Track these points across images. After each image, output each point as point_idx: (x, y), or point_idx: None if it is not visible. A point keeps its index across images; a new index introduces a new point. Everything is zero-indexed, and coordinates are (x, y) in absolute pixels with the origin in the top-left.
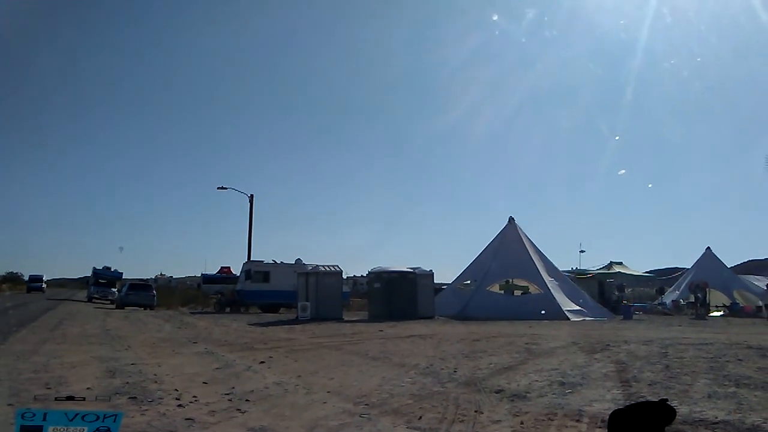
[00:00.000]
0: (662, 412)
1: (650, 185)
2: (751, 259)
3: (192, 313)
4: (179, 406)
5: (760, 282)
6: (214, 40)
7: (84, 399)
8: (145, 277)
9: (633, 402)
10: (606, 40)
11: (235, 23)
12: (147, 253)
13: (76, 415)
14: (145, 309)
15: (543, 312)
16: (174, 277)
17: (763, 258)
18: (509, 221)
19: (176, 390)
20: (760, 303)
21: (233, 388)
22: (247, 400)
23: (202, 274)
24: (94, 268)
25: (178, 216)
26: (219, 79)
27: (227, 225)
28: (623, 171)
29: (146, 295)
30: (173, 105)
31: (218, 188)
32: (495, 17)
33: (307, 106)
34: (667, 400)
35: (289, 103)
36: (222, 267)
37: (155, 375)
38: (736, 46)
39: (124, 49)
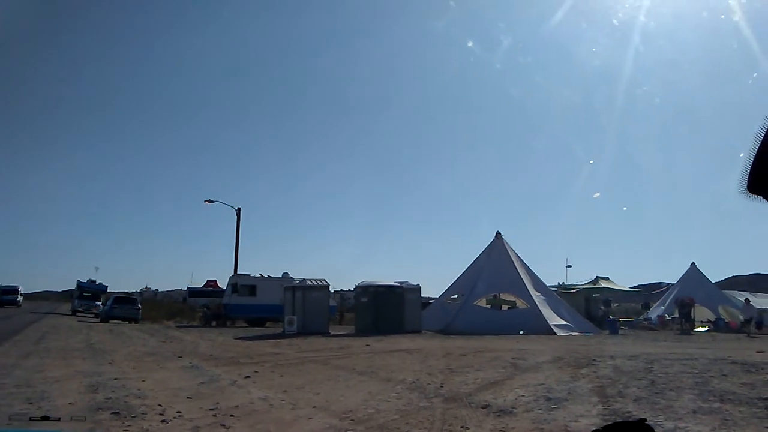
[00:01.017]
0: (641, 431)
1: (625, 208)
2: (735, 275)
3: (177, 326)
4: (163, 421)
5: (743, 298)
6: (203, 53)
7: (59, 419)
8: (130, 291)
9: (612, 422)
10: (580, 66)
11: (225, 38)
12: (132, 266)
13: None
14: (129, 322)
15: (521, 332)
16: (159, 290)
17: (747, 274)
18: (496, 236)
19: (160, 405)
20: (741, 317)
21: (218, 403)
22: (231, 416)
23: (188, 288)
24: (79, 281)
25: (165, 229)
26: (208, 93)
27: (214, 238)
28: (598, 194)
29: (131, 308)
30: (162, 118)
31: (205, 201)
32: (470, 44)
33: (296, 122)
34: (645, 420)
35: (278, 119)
36: (208, 280)
37: (139, 390)
38: (707, 71)
39: (113, 64)
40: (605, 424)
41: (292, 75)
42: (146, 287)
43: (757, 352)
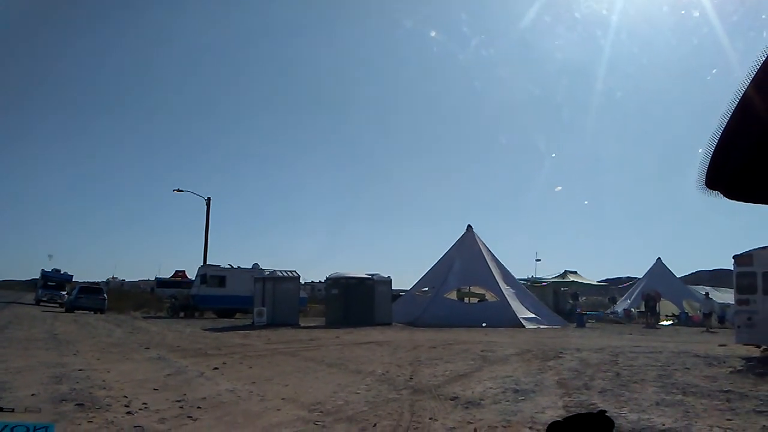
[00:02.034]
0: (601, 423)
1: (586, 202)
2: (699, 270)
3: (145, 317)
4: (128, 413)
5: (704, 292)
6: (171, 42)
7: (13, 410)
8: (96, 280)
9: (573, 414)
10: (542, 60)
11: (192, 28)
12: (99, 256)
13: (5, 427)
14: (95, 313)
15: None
16: (126, 280)
17: (711, 269)
18: (467, 229)
19: (125, 397)
20: (699, 311)
21: (185, 394)
22: (198, 408)
23: (155, 278)
24: (43, 270)
25: (133, 218)
26: (177, 84)
27: (183, 228)
28: (559, 188)
29: (97, 298)
30: (129, 106)
31: (174, 191)
32: (433, 34)
33: (267, 114)
34: (605, 411)
35: (249, 109)
36: (177, 271)
37: (104, 381)
38: (668, 67)
39: (78, 53)
40: (567, 415)
41: (263, 67)
42: (113, 277)
43: (719, 345)
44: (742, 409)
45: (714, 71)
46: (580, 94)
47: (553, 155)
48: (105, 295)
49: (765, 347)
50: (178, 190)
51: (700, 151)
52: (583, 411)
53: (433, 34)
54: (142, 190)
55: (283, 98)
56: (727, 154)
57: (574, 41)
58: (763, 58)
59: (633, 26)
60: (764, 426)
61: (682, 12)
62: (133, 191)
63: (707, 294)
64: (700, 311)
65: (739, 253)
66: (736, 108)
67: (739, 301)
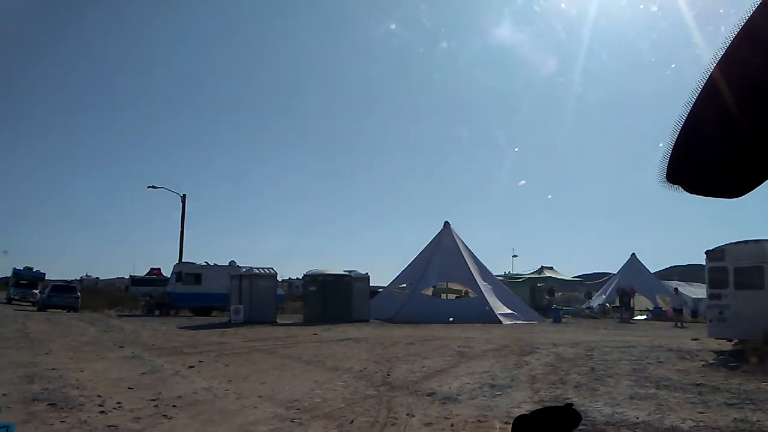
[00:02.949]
0: (568, 416)
1: (549, 196)
2: (673, 265)
3: (119, 315)
4: (102, 412)
5: (681, 287)
6: (145, 38)
7: None
8: (69, 278)
9: (539, 408)
10: (500, 53)
11: (167, 22)
12: (72, 253)
13: None
14: (68, 311)
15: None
16: (100, 278)
17: (684, 264)
18: (445, 225)
19: (99, 396)
20: (669, 306)
21: (160, 393)
22: (174, 406)
23: (130, 276)
24: (15, 268)
25: (106, 215)
26: (151, 78)
27: (158, 225)
28: (523, 182)
29: (70, 296)
30: (103, 102)
31: (149, 187)
32: (393, 26)
33: (243, 109)
34: (572, 404)
35: (225, 105)
36: (152, 268)
37: (77, 380)
38: (627, 61)
39: (55, 49)
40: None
41: (240, 63)
42: (86, 275)
43: (692, 339)
44: (713, 402)
45: (673, 66)
46: (538, 87)
47: (516, 149)
48: (78, 293)
49: (736, 341)
50: (153, 187)
51: (660, 145)
52: (560, 405)
53: (392, 26)
54: (116, 187)
55: (259, 94)
56: (687, 148)
57: (532, 34)
58: (730, 40)
59: (592, 20)
60: (735, 418)
61: (641, 6)
62: (106, 187)
63: (677, 289)
64: (669, 306)
65: (711, 248)
66: (697, 99)
67: (711, 296)
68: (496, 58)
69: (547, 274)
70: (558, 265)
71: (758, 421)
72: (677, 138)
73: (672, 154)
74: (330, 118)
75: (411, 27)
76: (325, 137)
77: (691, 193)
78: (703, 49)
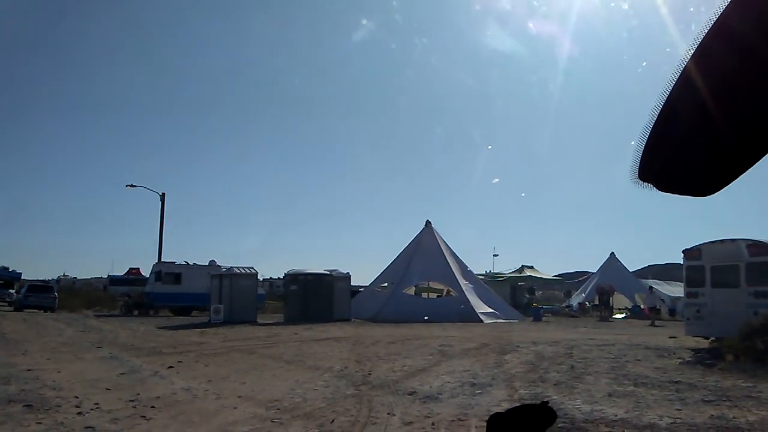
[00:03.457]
0: (543, 414)
1: (523, 194)
2: (651, 264)
3: (97, 316)
4: (79, 413)
5: (659, 286)
6: (124, 37)
7: None
8: (46, 278)
9: (514, 405)
10: (474, 50)
11: (151, 19)
12: (49, 253)
13: None
14: (45, 312)
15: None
16: (78, 278)
17: (663, 263)
18: (426, 225)
19: (76, 397)
20: (643, 305)
21: (138, 394)
22: (152, 407)
23: (108, 276)
24: None
25: (84, 214)
26: (130, 77)
27: (137, 225)
28: (497, 179)
29: (47, 297)
30: (81, 100)
31: (128, 186)
32: (365, 21)
33: (223, 106)
34: (548, 402)
35: (204, 102)
36: (131, 268)
37: (54, 381)
38: (600, 59)
39: (34, 47)
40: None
41: (218, 60)
42: (64, 275)
43: (670, 337)
44: (690, 399)
45: (644, 64)
46: (512, 85)
47: (489, 147)
48: (56, 293)
49: (713, 339)
50: (132, 186)
51: (633, 143)
52: (539, 403)
53: (364, 22)
54: (95, 185)
55: (240, 94)
56: (658, 146)
57: (504, 31)
58: (703, 34)
59: (564, 18)
60: (712, 415)
61: (612, 4)
62: (84, 186)
63: (651, 288)
64: (644, 305)
65: (688, 247)
66: (671, 94)
67: (688, 294)
68: (474, 57)
69: (528, 273)
70: (538, 264)
71: (734, 417)
72: (649, 136)
73: (643, 151)
74: (311, 118)
75: (390, 28)
76: (306, 137)
77: (662, 191)
78: (673, 47)
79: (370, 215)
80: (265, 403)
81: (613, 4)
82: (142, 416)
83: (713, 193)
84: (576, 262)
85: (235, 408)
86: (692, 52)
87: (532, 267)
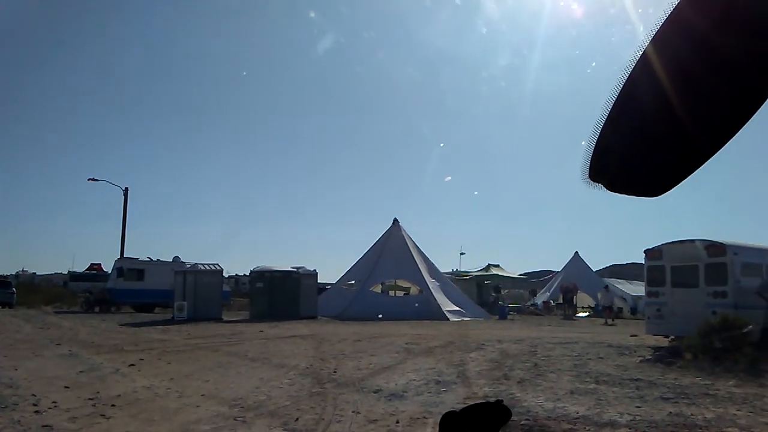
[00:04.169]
0: (497, 412)
1: (476, 192)
2: (614, 263)
3: (57, 312)
4: (36, 412)
5: (621, 285)
6: (87, 30)
7: None
8: (4, 274)
9: (470, 404)
10: (422, 46)
11: (117, 13)
12: (7, 248)
13: None
14: (3, 308)
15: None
16: (38, 273)
17: (625, 263)
18: (394, 222)
19: (34, 395)
20: (598, 304)
21: (98, 392)
22: (112, 405)
23: (69, 271)
24: None
25: (44, 208)
26: (94, 70)
27: (99, 220)
28: (449, 178)
29: (4, 292)
30: (42, 91)
31: (89, 180)
32: (312, 14)
33: (187, 100)
34: (502, 400)
35: (168, 95)
36: (92, 264)
37: (10, 379)
38: (549, 58)
39: None
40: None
41: (179, 55)
42: (23, 270)
43: (631, 336)
44: (650, 397)
45: (594, 64)
46: (463, 82)
47: (441, 144)
48: (14, 288)
49: (672, 337)
50: (93, 179)
51: (583, 143)
52: (502, 400)
53: (312, 14)
54: (55, 179)
55: (203, 89)
56: (607, 146)
57: (454, 27)
58: (659, 24)
59: (512, 15)
60: (671, 412)
61: (561, 3)
62: (45, 179)
63: (607, 287)
64: (599, 304)
65: (650, 247)
66: (625, 84)
67: (649, 294)
68: (406, 43)
69: (494, 271)
70: (505, 263)
71: (692, 415)
72: (599, 136)
73: (593, 152)
74: (275, 114)
75: (351, 28)
76: (271, 133)
77: (611, 191)
78: (621, 47)
79: (338, 213)
80: (229, 402)
81: (562, 3)
82: (101, 415)
83: (661, 194)
84: (541, 261)
85: (197, 406)
86: (650, 39)
87: (498, 266)
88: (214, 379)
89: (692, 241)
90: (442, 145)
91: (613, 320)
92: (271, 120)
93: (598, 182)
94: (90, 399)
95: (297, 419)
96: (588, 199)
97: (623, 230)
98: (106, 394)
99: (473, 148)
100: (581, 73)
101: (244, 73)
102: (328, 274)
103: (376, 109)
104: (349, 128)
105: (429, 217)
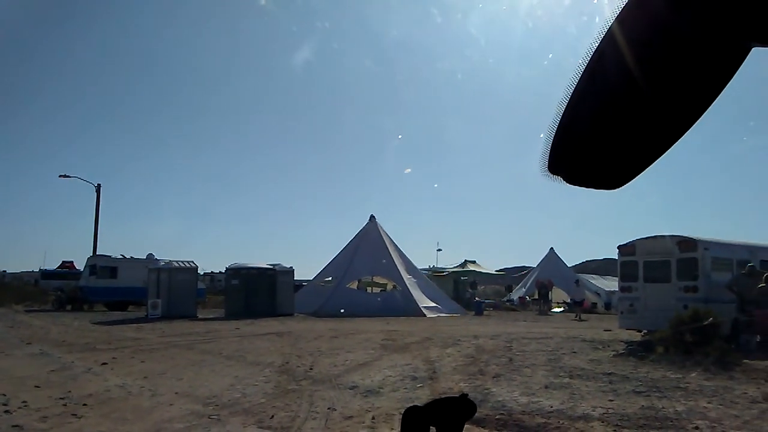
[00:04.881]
0: (463, 407)
1: (436, 185)
2: (588, 259)
3: (27, 311)
4: (6, 412)
5: (595, 280)
6: (61, 24)
7: None
8: None
9: (435, 398)
10: (379, 36)
11: (87, 10)
12: None
13: None
14: None
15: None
16: (8, 271)
17: (600, 258)
18: (370, 219)
19: (4, 395)
20: (569, 300)
21: (70, 391)
22: (84, 405)
23: (40, 269)
24: None
25: (15, 204)
26: (64, 61)
27: (71, 217)
28: (408, 170)
29: None
30: (12, 85)
31: (61, 176)
32: (263, 2)
33: (161, 96)
34: (467, 395)
35: (141, 90)
36: (64, 261)
37: None
38: (505, 50)
39: None
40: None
41: (151, 49)
42: None
43: (605, 330)
44: (622, 390)
45: (550, 56)
46: (421, 72)
47: (399, 137)
48: None
49: (645, 332)
50: (65, 176)
51: (541, 136)
52: (479, 395)
53: (263, 2)
54: (25, 175)
55: (177, 84)
56: (566, 138)
57: (409, 16)
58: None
59: (468, 6)
60: (643, 405)
61: None
62: (15, 175)
63: (578, 281)
64: (570, 299)
65: (623, 243)
66: (578, 84)
67: (622, 288)
68: (361, 33)
69: (471, 267)
70: (481, 259)
71: (663, 408)
72: (556, 130)
73: (552, 144)
74: (248, 110)
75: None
76: (245, 129)
77: (570, 183)
78: (578, 39)
79: (315, 209)
80: (203, 400)
81: None
82: (73, 414)
83: (619, 187)
84: (517, 257)
85: (171, 405)
86: (613, 19)
87: (474, 262)
88: (188, 378)
89: (664, 236)
90: (400, 137)
91: (579, 317)
92: (244, 118)
93: (557, 175)
94: (61, 398)
95: (272, 416)
96: (563, 194)
97: (598, 226)
98: (78, 393)
99: (433, 142)
100: (538, 65)
101: (216, 71)
102: (305, 271)
103: (354, 106)
104: (325, 125)
105: (406, 214)
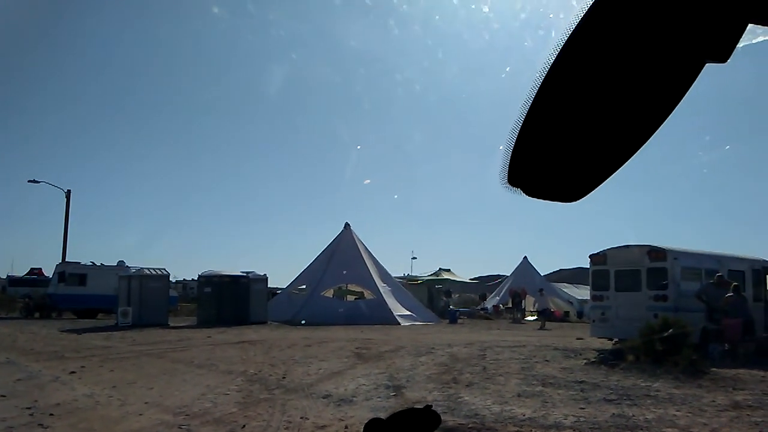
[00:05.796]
0: (427, 418)
1: (396, 196)
2: (561, 268)
3: None
4: None
5: (568, 289)
6: (30, 22)
7: None
8: None
9: (399, 410)
10: (338, 46)
11: (56, 8)
12: None
13: None
14: None
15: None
16: None
17: (572, 267)
18: (345, 227)
19: None
20: (534, 306)
21: (36, 401)
22: (51, 414)
23: (7, 276)
24: None
25: None
26: (33, 65)
27: (39, 223)
28: (368, 180)
29: None
30: None
31: (29, 181)
32: (216, 10)
33: (131, 101)
34: (431, 406)
35: (112, 97)
36: (32, 268)
37: None
38: (463, 62)
39: None
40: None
41: (122, 50)
42: None
43: (577, 339)
44: (594, 398)
45: (508, 69)
46: (380, 83)
47: (359, 147)
48: None
49: (616, 340)
50: (34, 181)
51: (501, 148)
52: (452, 404)
53: (215, 10)
54: None
55: (145, 91)
56: (522, 151)
57: (366, 27)
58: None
59: (425, 17)
60: (614, 413)
61: (472, 6)
62: None
63: (542, 290)
64: (535, 307)
65: (594, 252)
66: (538, 90)
67: (594, 297)
68: (318, 42)
69: (445, 276)
70: (455, 268)
71: (633, 416)
72: (515, 143)
73: (511, 156)
74: (221, 116)
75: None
76: (218, 135)
77: (529, 196)
78: (534, 53)
79: (289, 217)
80: (173, 409)
81: (473, 6)
82: (39, 424)
83: (577, 200)
84: (491, 266)
85: (140, 414)
86: (569, 33)
87: (449, 270)
88: (158, 387)
89: (635, 246)
90: (359, 147)
91: (543, 326)
92: (215, 123)
93: (516, 187)
94: (27, 408)
95: (244, 426)
96: (534, 203)
97: (571, 235)
98: (45, 402)
99: (394, 151)
100: (496, 78)
101: (179, 79)
102: (279, 279)
103: (337, 116)
104: (302, 132)
105: (381, 222)
